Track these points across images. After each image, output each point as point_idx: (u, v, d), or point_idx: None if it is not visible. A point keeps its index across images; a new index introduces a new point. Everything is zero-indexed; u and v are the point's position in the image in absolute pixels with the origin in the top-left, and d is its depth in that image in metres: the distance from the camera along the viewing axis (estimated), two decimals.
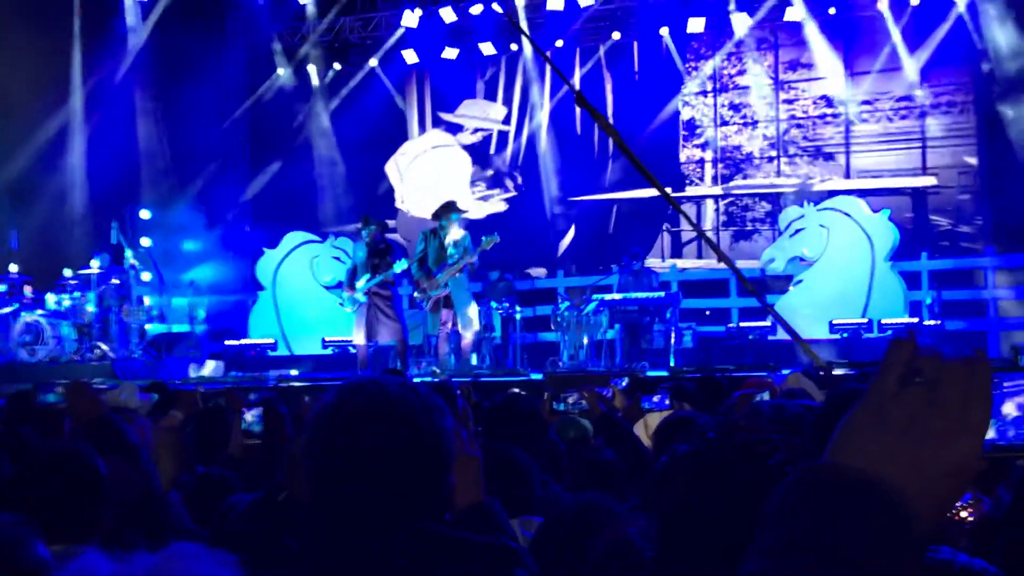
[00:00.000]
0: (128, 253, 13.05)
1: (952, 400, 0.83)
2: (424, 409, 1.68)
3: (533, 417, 4.11)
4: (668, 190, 2.78)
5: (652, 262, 15.91)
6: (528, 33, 16.82)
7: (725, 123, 16.89)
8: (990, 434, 0.85)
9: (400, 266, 11.09)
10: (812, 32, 15.91)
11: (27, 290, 13.20)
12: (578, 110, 17.24)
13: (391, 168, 18.59)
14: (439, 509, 1.68)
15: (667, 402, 5.05)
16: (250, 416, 3.94)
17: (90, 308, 12.74)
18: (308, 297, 16.03)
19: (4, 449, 3.77)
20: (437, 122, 18.59)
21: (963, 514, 2.68)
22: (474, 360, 12.01)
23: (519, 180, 18.02)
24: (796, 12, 15.78)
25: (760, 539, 0.80)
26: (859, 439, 0.83)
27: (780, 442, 1.22)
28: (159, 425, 4.08)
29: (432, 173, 18.40)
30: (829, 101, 16.22)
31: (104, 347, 12.65)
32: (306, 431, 1.70)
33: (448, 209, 11.34)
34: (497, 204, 17.94)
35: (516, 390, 5.87)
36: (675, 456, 1.36)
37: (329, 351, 14.57)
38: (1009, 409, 0.88)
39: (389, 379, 1.75)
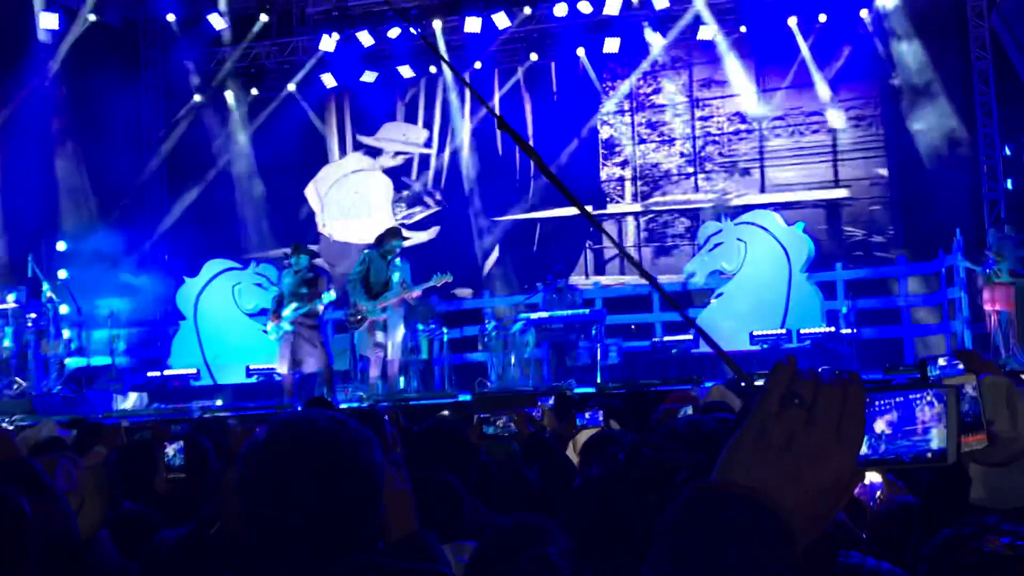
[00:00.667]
0: (45, 286, 12.79)
1: (827, 419, 0.89)
2: (353, 443, 1.72)
3: (460, 441, 4.15)
4: (588, 208, 2.86)
5: (576, 279, 16.08)
6: (446, 57, 16.90)
7: (643, 141, 17.15)
8: (864, 450, 0.93)
9: (328, 297, 11.10)
10: (724, 50, 16.27)
11: None
12: (499, 131, 17.35)
13: (311, 192, 18.50)
14: (371, 540, 1.71)
15: (600, 418, 5.13)
16: (171, 450, 3.91)
17: (7, 343, 12.48)
18: (230, 325, 15.86)
19: None
20: (358, 145, 18.55)
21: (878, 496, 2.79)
22: (402, 383, 12.01)
23: (440, 200, 18.06)
24: (708, 31, 16.12)
25: (653, 554, 0.85)
26: (743, 457, 0.89)
27: (684, 460, 1.30)
28: (84, 462, 4.02)
29: (353, 197, 18.35)
30: (743, 117, 16.57)
31: (22, 383, 12.38)
32: (238, 467, 1.73)
33: (394, 235, 11.42)
34: (427, 234, 17.95)
35: (445, 413, 5.90)
36: (588, 478, 1.43)
37: (254, 379, 14.43)
38: (881, 426, 0.96)
39: (319, 414, 1.79)
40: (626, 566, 1.25)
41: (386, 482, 1.85)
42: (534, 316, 13.02)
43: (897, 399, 0.96)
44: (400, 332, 11.43)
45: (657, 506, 1.25)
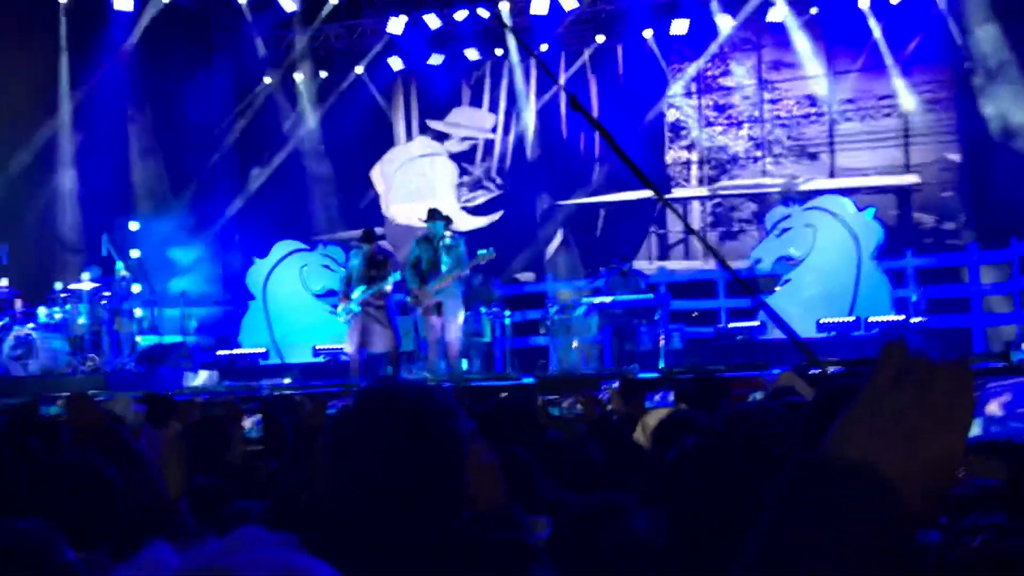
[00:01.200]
0: (119, 265, 13.04)
1: (939, 400, 0.89)
2: (439, 412, 1.76)
3: (528, 419, 4.18)
4: (654, 190, 2.85)
5: (639, 264, 15.99)
6: (517, 38, 16.91)
7: (710, 124, 17.00)
8: (975, 431, 0.92)
9: (393, 278, 11.19)
10: (795, 32, 16.04)
11: (18, 304, 13.20)
12: (563, 114, 17.34)
13: (377, 175, 18.64)
14: (455, 508, 1.74)
15: (671, 399, 5.11)
16: (249, 423, 4.00)
17: (81, 321, 12.74)
18: (298, 305, 16.07)
19: (8, 461, 3.81)
20: (424, 128, 18.63)
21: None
22: (464, 365, 12.06)
23: (501, 184, 18.08)
24: (778, 12, 15.90)
25: (759, 524, 0.86)
26: (854, 432, 0.89)
27: (784, 434, 1.30)
28: (164, 435, 4.12)
29: (418, 180, 18.45)
30: (812, 100, 16.34)
31: (96, 359, 12.65)
32: (326, 434, 1.78)
33: (431, 217, 11.43)
34: (489, 218, 18.00)
35: (504, 395, 5.93)
36: (684, 449, 1.43)
37: (320, 359, 14.60)
38: (993, 408, 0.95)
39: (406, 383, 1.83)
40: (722, 537, 1.25)
41: (473, 454, 1.87)
42: (597, 300, 12.99)
43: (1010, 381, 0.96)
44: (460, 314, 11.46)
45: (755, 478, 1.25)
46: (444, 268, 11.14)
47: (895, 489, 0.86)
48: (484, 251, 11.12)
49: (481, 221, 17.93)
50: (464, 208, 18.16)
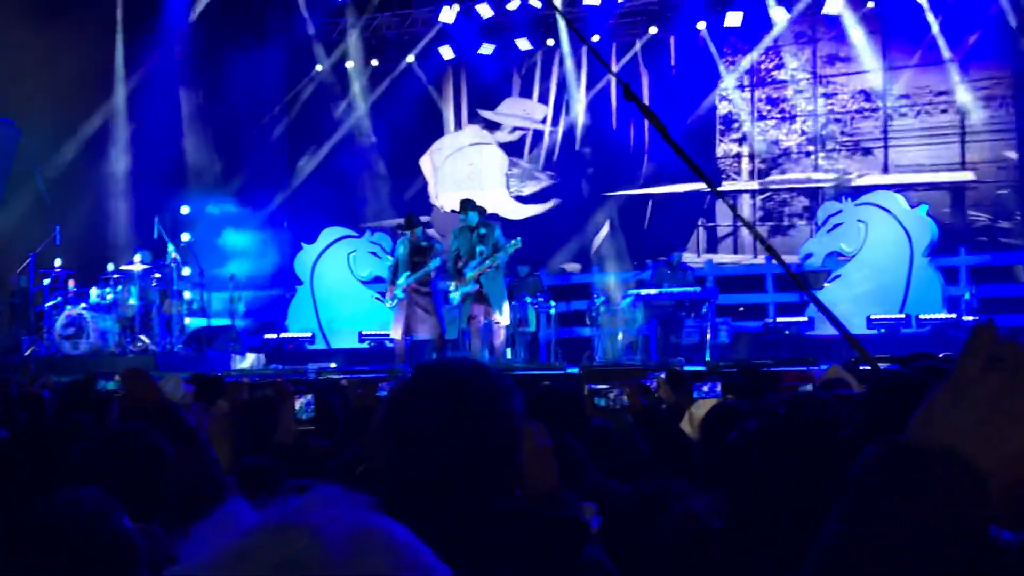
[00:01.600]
0: (170, 248, 13.22)
1: None
2: (494, 390, 1.75)
3: (574, 404, 4.17)
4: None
5: (687, 257, 15.88)
6: (570, 24, 16.86)
7: (763, 117, 16.84)
8: None
9: (434, 263, 11.26)
10: (851, 25, 15.83)
11: (70, 284, 13.43)
12: (614, 105, 17.27)
13: (426, 163, 18.69)
14: (508, 487, 1.74)
15: (719, 390, 5.07)
16: (300, 404, 4.03)
17: (132, 302, 12.92)
18: (345, 291, 16.19)
19: (62, 434, 3.87)
20: (473, 117, 18.64)
21: None
22: (508, 354, 12.08)
23: (553, 176, 18.04)
24: (835, 5, 15.69)
25: (841, 506, 0.85)
26: (941, 416, 0.87)
27: (849, 417, 1.27)
28: (213, 413, 4.16)
29: (467, 169, 18.47)
30: (867, 95, 16.13)
31: (146, 340, 12.83)
32: (383, 407, 1.79)
33: (464, 207, 11.49)
34: (542, 207, 17.98)
35: (547, 383, 5.89)
36: (746, 431, 1.41)
37: (366, 345, 14.70)
38: None
39: (462, 360, 1.83)
40: (784, 517, 1.23)
41: (529, 436, 1.87)
42: (644, 292, 12.95)
43: None
44: (504, 303, 11.49)
45: (819, 459, 1.23)
46: (478, 256, 11.19)
47: (983, 475, 0.83)
48: (511, 242, 11.16)
49: (534, 209, 17.91)
50: (516, 197, 18.15)
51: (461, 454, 1.67)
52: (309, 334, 15.13)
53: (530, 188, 18.17)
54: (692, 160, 2.99)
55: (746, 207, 16.72)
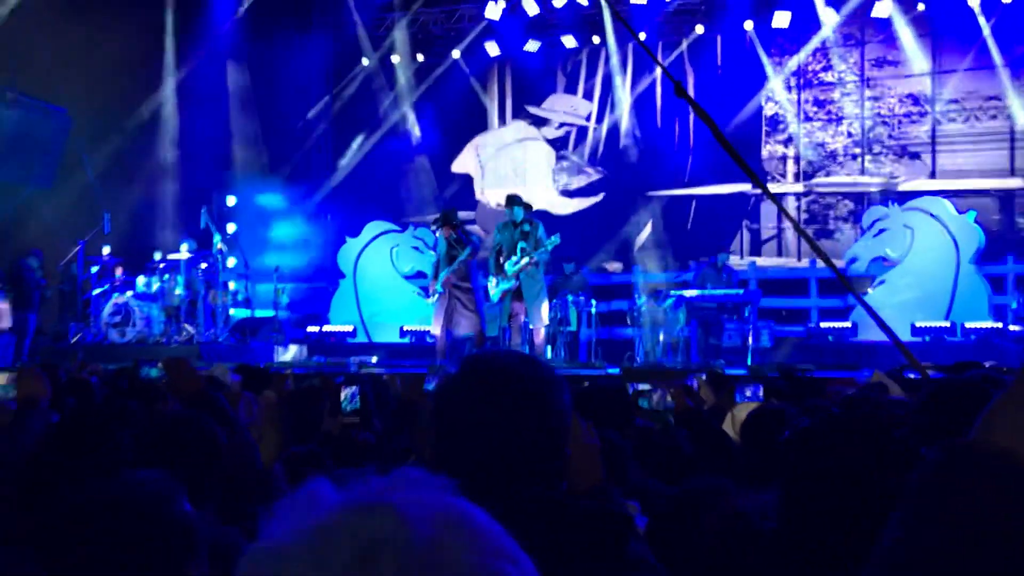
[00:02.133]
0: (216, 238, 13.33)
1: None
2: (543, 382, 1.77)
3: (620, 402, 4.19)
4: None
5: (731, 259, 15.78)
6: (619, 17, 16.83)
7: (809, 119, 16.72)
8: None
9: (464, 254, 11.24)
10: (900, 28, 15.66)
11: (118, 272, 13.61)
12: (659, 104, 17.22)
13: (471, 159, 18.73)
14: (555, 480, 1.76)
15: (760, 394, 5.06)
16: (345, 395, 4.07)
17: (178, 291, 13.04)
18: (387, 286, 16.26)
19: (113, 420, 3.95)
20: (517, 113, 18.66)
21: None
22: (548, 354, 12.08)
23: (599, 174, 18.02)
24: (884, 8, 15.54)
25: (903, 511, 0.85)
26: (1005, 421, 0.87)
27: (905, 416, 1.28)
28: (262, 401, 4.23)
29: (512, 165, 18.50)
30: (916, 99, 15.96)
31: (191, 330, 12.96)
32: (433, 399, 1.81)
33: (509, 202, 11.52)
34: (588, 201, 17.97)
35: (586, 384, 5.91)
36: (798, 430, 1.42)
37: (407, 340, 14.75)
38: None
39: (513, 353, 1.86)
40: (839, 517, 1.25)
41: (576, 432, 1.89)
42: (687, 293, 12.91)
43: None
44: (544, 301, 11.50)
45: (875, 458, 1.24)
46: (519, 252, 11.21)
47: None
48: (550, 238, 11.16)
49: (581, 204, 17.89)
50: (563, 192, 18.13)
51: (510, 446, 1.69)
52: (351, 327, 15.21)
53: (578, 182, 18.14)
54: (743, 159, 3.01)
55: (791, 210, 16.60)
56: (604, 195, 17.81)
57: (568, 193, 18.10)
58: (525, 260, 11.16)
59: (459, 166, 18.81)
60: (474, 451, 1.70)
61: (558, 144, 18.37)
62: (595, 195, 17.89)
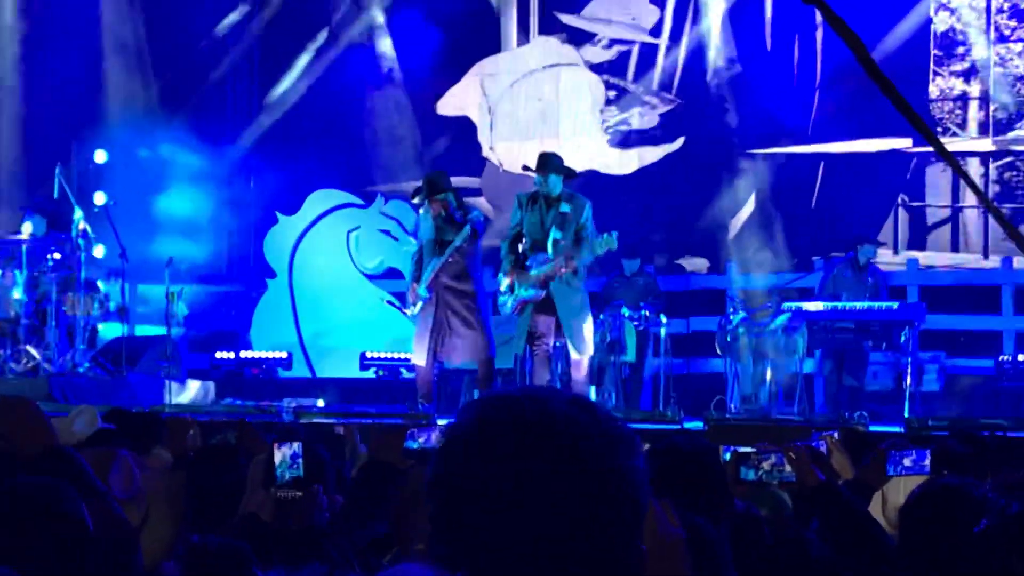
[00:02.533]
0: (77, 214, 13.31)
1: None
2: (604, 439, 1.74)
3: (710, 472, 4.17)
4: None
5: (880, 255, 15.72)
6: None
7: (1003, 39, 16.70)
8: None
9: (461, 237, 11.16)
10: None
11: None
12: (769, 13, 17.22)
13: (473, 95, 18.69)
14: None
15: (926, 463, 5.04)
16: (283, 456, 4.04)
17: (16, 295, 13.03)
18: (341, 290, 16.27)
19: None
20: (546, 27, 18.65)
21: None
22: (593, 394, 12.06)
23: (671, 112, 17.98)
24: None
25: None
26: None
27: None
28: (148, 465, 4.21)
29: (538, 106, 18.45)
30: None
31: (35, 354, 12.94)
32: (434, 463, 1.79)
33: (545, 165, 11.37)
34: (648, 154, 17.88)
35: (647, 447, 5.90)
36: (1004, 518, 1.39)
37: (371, 374, 14.73)
38: None
39: (550, 392, 1.81)
40: None
41: (651, 518, 1.86)
42: (810, 307, 12.89)
43: None
44: (587, 318, 11.45)
45: None
46: (551, 246, 11.11)
47: None
48: (604, 237, 10.99)
49: (645, 157, 17.79)
50: (618, 143, 18.02)
51: (554, 543, 1.68)
52: (284, 354, 15.22)
53: (642, 123, 18.02)
54: (902, 98, 2.96)
55: (976, 177, 16.55)
56: (673, 159, 17.70)
57: (624, 142, 18.02)
58: (558, 263, 11.06)
59: (455, 106, 18.76)
60: (501, 546, 1.68)
61: (609, 71, 18.31)
62: (667, 143, 17.75)
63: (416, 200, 11.79)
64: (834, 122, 16.90)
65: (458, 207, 11.57)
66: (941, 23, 17.00)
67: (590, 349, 11.55)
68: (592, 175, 16.59)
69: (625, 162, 17.97)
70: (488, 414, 1.77)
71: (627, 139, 18.12)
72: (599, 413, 1.79)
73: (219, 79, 18.65)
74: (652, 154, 17.87)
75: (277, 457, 4.10)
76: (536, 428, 1.72)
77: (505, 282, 11.39)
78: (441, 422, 8.84)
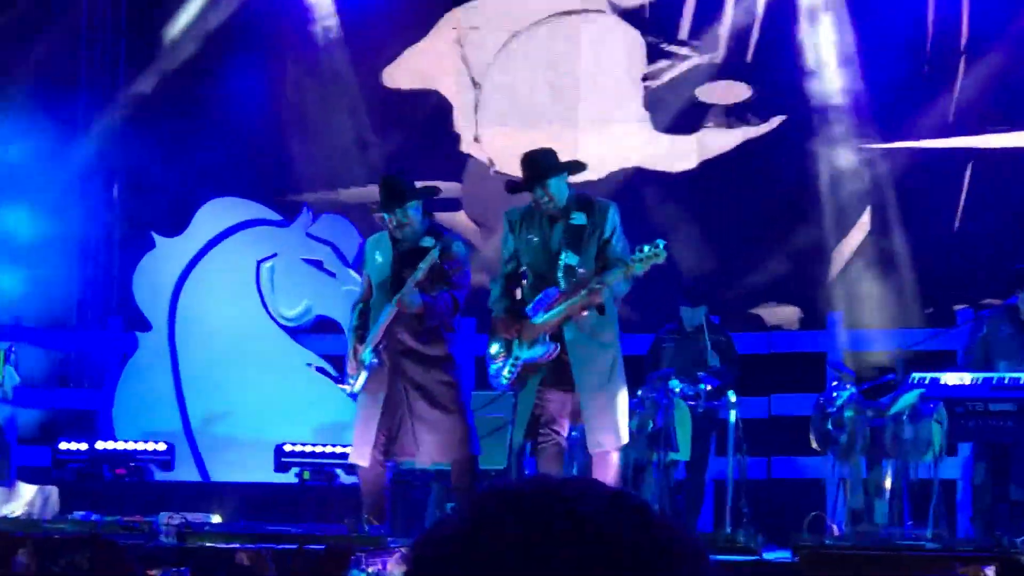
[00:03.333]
0: None
1: None
2: (663, 556, 1.78)
3: None
4: None
5: None
6: None
7: None
8: None
9: (426, 263, 11.16)
10: None
11: None
12: None
13: (449, 61, 18.86)
14: None
15: None
16: None
17: None
18: (248, 351, 16.32)
19: None
20: None
21: None
22: None
23: (749, 90, 18.13)
24: None
25: None
26: None
27: None
28: None
29: (546, 77, 18.60)
30: None
31: None
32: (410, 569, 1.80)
33: (545, 165, 11.44)
34: (719, 140, 18.01)
35: None
36: None
37: (291, 477, 14.79)
38: None
39: (585, 487, 1.86)
40: None
41: None
42: (949, 380, 12.92)
43: None
44: (620, 392, 11.44)
45: None
46: (563, 277, 11.11)
47: None
48: (646, 249, 10.99)
49: (712, 146, 17.92)
50: (667, 128, 18.16)
51: None
52: (162, 446, 15.26)
53: (711, 96, 18.18)
54: None
55: None
56: (762, 144, 17.83)
57: (675, 127, 18.13)
58: (578, 298, 11.07)
59: (419, 75, 18.93)
60: None
61: (650, 24, 18.48)
62: (752, 124, 17.90)
63: (374, 212, 11.84)
64: (983, 104, 17.02)
65: (426, 228, 11.59)
66: None
67: (623, 439, 11.56)
68: (635, 175, 16.68)
69: (678, 157, 18.05)
70: (484, 522, 1.77)
71: (678, 127, 18.22)
72: (653, 518, 1.81)
73: (70, 55, 18.83)
74: (721, 143, 17.96)
75: None
76: (559, 540, 1.73)
77: (495, 347, 11.38)
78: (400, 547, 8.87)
